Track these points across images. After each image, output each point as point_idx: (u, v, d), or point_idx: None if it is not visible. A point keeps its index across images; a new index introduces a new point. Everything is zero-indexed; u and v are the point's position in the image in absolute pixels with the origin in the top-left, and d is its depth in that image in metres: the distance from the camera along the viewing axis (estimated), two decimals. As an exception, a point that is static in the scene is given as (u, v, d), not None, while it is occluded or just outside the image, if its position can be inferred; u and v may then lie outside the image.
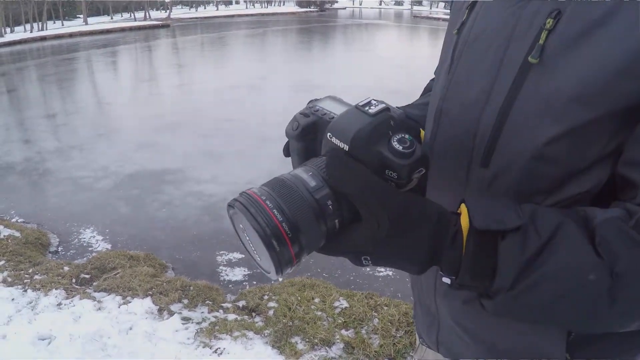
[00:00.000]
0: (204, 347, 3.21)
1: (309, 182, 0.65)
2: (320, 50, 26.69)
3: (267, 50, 26.77)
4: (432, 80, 1.18)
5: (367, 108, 0.67)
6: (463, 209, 0.70)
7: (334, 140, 0.68)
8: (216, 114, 11.55)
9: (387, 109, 0.68)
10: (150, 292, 3.95)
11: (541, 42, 0.73)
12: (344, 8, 65.89)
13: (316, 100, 0.81)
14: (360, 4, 72.17)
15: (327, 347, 3.12)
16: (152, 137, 9.98)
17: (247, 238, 0.67)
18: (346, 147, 0.66)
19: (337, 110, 0.76)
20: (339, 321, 3.40)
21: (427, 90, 1.18)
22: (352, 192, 0.63)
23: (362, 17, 54.38)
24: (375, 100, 0.69)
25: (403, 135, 0.66)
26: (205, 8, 62.67)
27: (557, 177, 0.76)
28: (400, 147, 0.64)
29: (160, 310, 3.68)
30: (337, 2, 66.48)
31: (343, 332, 3.29)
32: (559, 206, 0.76)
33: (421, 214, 0.66)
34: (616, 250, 0.63)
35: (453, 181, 0.88)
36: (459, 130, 0.85)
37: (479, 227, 0.66)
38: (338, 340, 3.19)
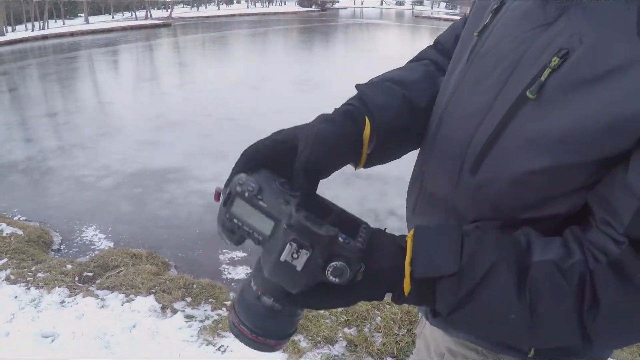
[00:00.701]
0: (207, 345, 3.21)
1: (266, 303, 0.76)
2: (322, 50, 26.72)
3: (268, 49, 26.82)
4: (428, 47, 1.19)
5: (292, 261, 0.69)
6: (408, 245, 0.76)
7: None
8: (218, 113, 11.55)
9: (311, 252, 0.68)
10: (153, 290, 3.95)
11: (542, 79, 0.74)
12: (345, 8, 65.96)
13: (228, 202, 0.74)
14: (362, 4, 72.26)
15: (330, 345, 3.13)
16: (154, 135, 9.99)
17: None
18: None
19: (257, 224, 0.72)
20: (342, 319, 3.40)
21: (417, 59, 1.15)
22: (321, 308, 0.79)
23: (364, 17, 54.42)
24: (299, 242, 0.68)
25: (336, 266, 0.69)
26: (206, 7, 62.84)
27: (533, 200, 0.80)
28: (337, 279, 0.70)
29: (163, 309, 3.68)
30: (338, 1, 66.55)
31: (346, 330, 3.29)
32: (534, 221, 0.81)
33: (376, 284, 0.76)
34: (542, 292, 0.71)
35: (446, 175, 0.92)
36: (458, 135, 0.89)
37: (418, 277, 0.74)
38: (341, 338, 3.19)
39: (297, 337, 3.20)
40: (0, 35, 31.84)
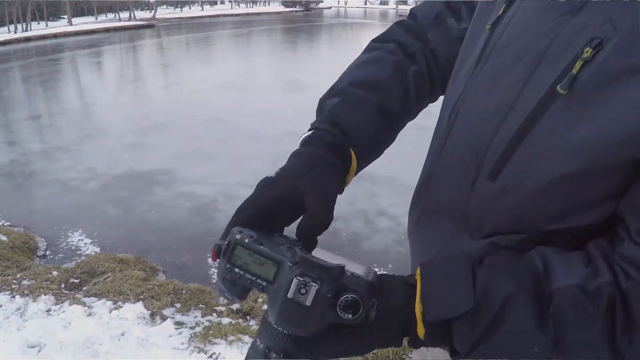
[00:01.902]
0: (198, 352, 3.14)
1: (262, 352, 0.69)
2: (307, 50, 26.71)
3: (253, 50, 26.75)
4: (395, 25, 1.09)
5: (300, 297, 0.64)
6: (418, 287, 0.71)
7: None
8: (205, 114, 11.45)
9: (319, 285, 0.64)
10: (142, 297, 3.87)
11: (574, 72, 0.66)
12: (329, 7, 66.01)
13: (228, 252, 0.70)
14: (346, 4, 72.34)
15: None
16: (140, 137, 9.89)
17: None
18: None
19: (259, 270, 0.69)
20: None
21: (382, 39, 1.06)
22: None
23: (348, 17, 54.50)
24: (306, 276, 0.64)
25: (347, 299, 0.65)
26: (190, 8, 62.61)
27: (559, 210, 0.73)
28: (350, 315, 0.65)
29: (152, 315, 3.61)
30: (322, 1, 66.65)
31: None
32: (558, 234, 0.74)
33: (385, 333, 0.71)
34: (567, 321, 0.65)
35: (458, 182, 0.84)
36: (472, 138, 0.81)
37: (432, 320, 0.68)
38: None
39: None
40: (-18, 38, 31.49)
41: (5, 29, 36.00)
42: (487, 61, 0.83)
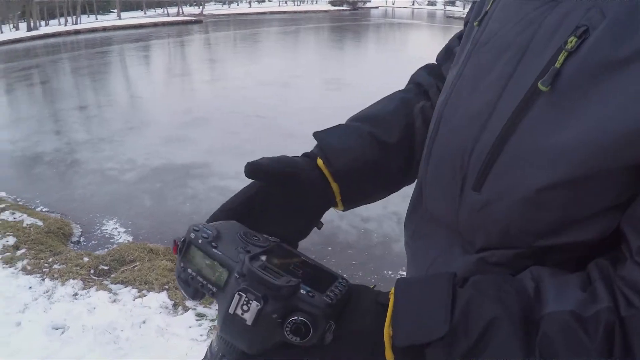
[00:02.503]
0: (215, 345, 3.17)
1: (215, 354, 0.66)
2: (353, 49, 26.63)
3: (299, 48, 26.82)
4: (420, 68, 1.09)
5: (242, 314, 0.60)
6: (390, 305, 0.65)
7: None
8: (245, 110, 11.54)
9: (262, 305, 0.60)
10: (167, 287, 3.94)
11: (557, 65, 0.59)
12: (377, 7, 65.56)
13: (182, 251, 0.68)
14: (393, 4, 71.77)
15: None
16: (180, 131, 10.01)
17: None
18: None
19: (211, 274, 0.66)
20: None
21: (408, 82, 1.08)
22: None
23: (395, 17, 54.10)
24: (249, 292, 0.60)
25: (295, 321, 0.60)
26: (238, 5, 63.15)
27: (550, 223, 0.64)
28: (298, 339, 0.60)
29: (175, 306, 3.67)
30: (369, 1, 66.26)
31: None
32: (553, 251, 0.66)
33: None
34: (556, 351, 0.56)
35: (446, 192, 0.77)
36: (455, 144, 0.74)
37: (401, 345, 0.62)
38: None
39: None
40: (34, 29, 32.46)
41: (55, 21, 37.05)
42: (470, 59, 0.77)
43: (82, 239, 5.62)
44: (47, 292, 3.94)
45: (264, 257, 0.66)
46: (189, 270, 0.67)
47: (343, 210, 0.93)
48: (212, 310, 3.61)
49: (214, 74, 17.70)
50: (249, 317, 0.59)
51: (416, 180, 0.94)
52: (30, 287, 4.02)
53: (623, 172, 0.57)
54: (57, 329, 3.44)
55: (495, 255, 0.71)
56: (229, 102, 12.64)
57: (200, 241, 0.66)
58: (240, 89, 14.24)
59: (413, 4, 74.73)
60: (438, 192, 0.81)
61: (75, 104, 12.83)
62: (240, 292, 0.59)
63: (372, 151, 0.90)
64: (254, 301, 0.59)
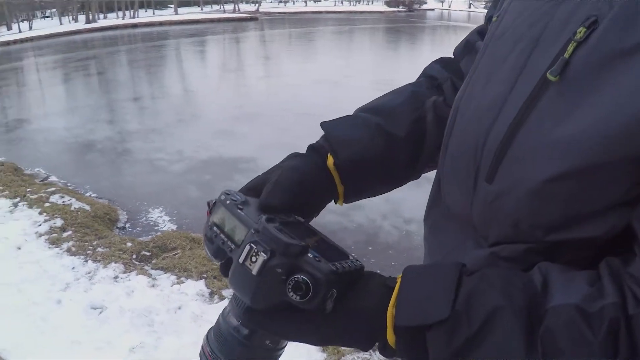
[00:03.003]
0: (248, 335, 3.20)
1: (232, 323, 0.69)
2: (407, 51, 26.46)
3: (353, 47, 26.81)
4: (433, 62, 1.07)
5: (250, 265, 0.62)
6: (394, 292, 0.64)
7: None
8: (296, 108, 11.60)
9: (268, 257, 0.62)
10: (205, 275, 3.99)
11: (566, 55, 0.59)
12: (433, 9, 64.92)
13: (212, 210, 0.74)
14: (449, 6, 70.91)
15: (371, 350, 3.05)
16: (230, 125, 10.13)
17: None
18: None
19: (233, 232, 0.69)
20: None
21: (421, 75, 1.06)
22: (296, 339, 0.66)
23: (451, 19, 53.50)
24: (259, 245, 0.63)
25: (297, 279, 0.61)
26: (294, 3, 63.52)
27: (559, 217, 0.63)
28: (298, 297, 0.61)
29: (211, 294, 3.71)
30: (425, 3, 65.69)
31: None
32: (564, 247, 0.65)
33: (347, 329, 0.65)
34: (560, 347, 0.54)
35: (462, 185, 0.77)
36: (470, 136, 0.75)
37: (399, 325, 0.61)
38: (384, 344, 3.11)
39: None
40: (92, 22, 33.44)
41: (113, 14, 38.12)
42: (485, 53, 0.78)
43: (127, 225, 5.74)
44: (89, 273, 4.05)
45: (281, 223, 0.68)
46: (214, 228, 0.70)
47: (347, 203, 0.93)
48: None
49: (267, 71, 17.87)
50: (255, 268, 0.61)
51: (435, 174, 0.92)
52: (73, 268, 4.14)
53: (630, 164, 0.56)
54: (95, 308, 3.53)
55: (506, 249, 0.70)
56: (280, 98, 12.73)
57: (228, 202, 0.71)
58: (292, 87, 14.33)
59: (469, 7, 73.74)
60: (454, 186, 0.81)
61: (129, 95, 13.16)
62: (252, 244, 0.62)
63: (379, 144, 0.89)
64: (262, 253, 0.61)
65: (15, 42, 30.78)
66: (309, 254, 0.63)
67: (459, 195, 0.79)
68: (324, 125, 0.91)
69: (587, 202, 0.60)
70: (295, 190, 0.82)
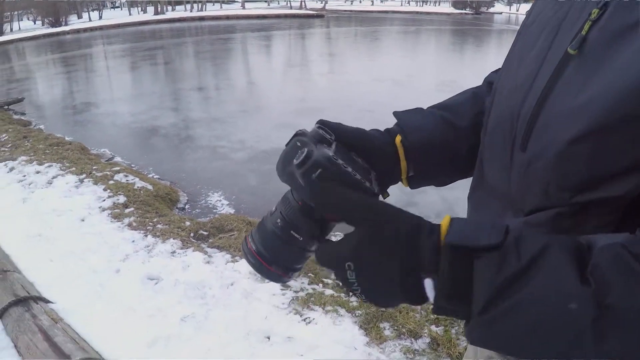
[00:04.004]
0: (295, 314, 3.25)
1: (275, 219, 0.78)
2: (471, 53, 26.03)
3: (417, 48, 26.59)
4: (492, 72, 1.13)
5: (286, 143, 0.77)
6: (444, 221, 0.65)
7: None
8: (358, 105, 11.60)
9: (297, 134, 0.77)
10: (259, 257, 4.07)
11: (583, 32, 0.69)
12: (500, 13, 63.50)
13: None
14: (517, 10, 69.33)
15: (412, 339, 3.05)
16: (292, 119, 10.21)
17: None
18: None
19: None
20: (432, 316, 3.30)
21: (484, 80, 1.12)
22: (337, 210, 0.69)
23: (518, 24, 52.22)
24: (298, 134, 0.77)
25: (302, 151, 0.72)
26: (360, 2, 63.49)
27: (584, 177, 0.68)
28: (297, 160, 0.71)
29: (263, 274, 3.78)
30: (493, 5, 64.41)
31: (433, 327, 3.18)
32: (589, 208, 0.69)
33: (397, 215, 0.67)
34: (609, 280, 0.54)
35: (500, 159, 0.85)
36: (506, 111, 0.83)
37: (449, 243, 0.61)
38: (425, 334, 3.09)
39: (382, 324, 3.16)
40: (161, 13, 34.34)
41: (182, 7, 39.00)
42: (518, 40, 0.89)
43: (187, 206, 5.91)
44: (148, 246, 4.20)
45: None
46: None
47: (412, 188, 1.01)
48: (297, 283, 3.69)
49: (331, 67, 17.94)
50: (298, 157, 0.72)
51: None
52: (133, 241, 4.29)
53: None
54: (151, 279, 3.66)
55: (538, 217, 0.75)
56: (342, 95, 12.77)
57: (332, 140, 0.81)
58: (354, 84, 14.35)
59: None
60: (494, 161, 0.88)
61: (194, 85, 13.48)
62: (298, 142, 0.75)
63: (443, 132, 0.97)
64: (305, 149, 0.72)
65: (85, 30, 32.03)
66: (325, 147, 0.74)
67: (498, 170, 0.86)
68: (396, 113, 1.00)
69: (609, 162, 0.65)
70: (360, 131, 0.92)
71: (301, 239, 0.76)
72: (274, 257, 0.77)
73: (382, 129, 0.98)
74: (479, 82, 1.11)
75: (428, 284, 0.63)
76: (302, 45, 25.23)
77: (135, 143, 8.69)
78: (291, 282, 3.69)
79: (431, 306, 0.65)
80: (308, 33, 29.67)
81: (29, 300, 3.24)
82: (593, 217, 0.69)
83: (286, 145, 0.77)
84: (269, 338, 3.04)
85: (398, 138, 0.95)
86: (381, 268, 0.65)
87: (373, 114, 10.80)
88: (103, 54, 22.13)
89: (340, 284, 0.69)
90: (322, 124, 0.84)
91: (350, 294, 0.70)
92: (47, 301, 3.33)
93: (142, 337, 3.03)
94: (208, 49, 20.63)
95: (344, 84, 14.35)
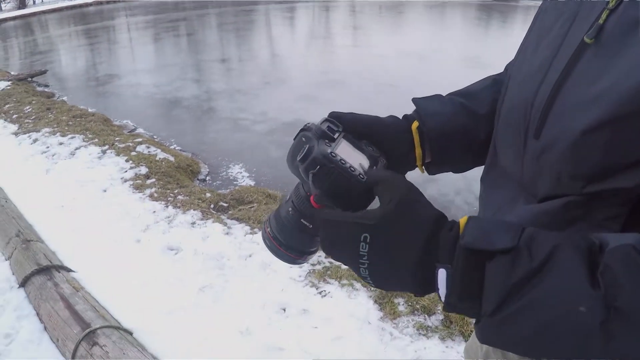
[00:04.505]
0: (311, 287, 3.28)
1: (287, 207, 0.84)
2: (498, 29, 25.61)
3: (444, 22, 26.21)
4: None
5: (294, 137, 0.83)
6: (462, 220, 0.66)
7: None
8: (380, 78, 11.50)
9: (302, 129, 0.82)
10: (277, 228, 4.11)
11: (601, 21, 0.69)
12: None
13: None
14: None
15: (426, 315, 3.06)
16: (314, 91, 10.18)
17: None
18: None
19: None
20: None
21: (505, 68, 1.12)
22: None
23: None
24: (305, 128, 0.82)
25: (304, 147, 0.77)
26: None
27: (597, 167, 0.68)
28: (299, 156, 0.77)
29: (281, 246, 3.82)
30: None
31: (447, 305, 3.21)
32: (601, 198, 0.69)
33: (424, 205, 0.68)
34: (619, 282, 0.54)
35: (514, 145, 0.85)
36: (520, 97, 0.83)
37: (464, 245, 0.62)
38: (439, 311, 3.11)
39: (397, 300, 3.18)
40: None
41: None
42: (534, 26, 0.90)
43: (207, 178, 5.95)
44: (168, 217, 4.26)
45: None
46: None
47: (430, 174, 1.04)
48: (314, 256, 3.72)
49: (355, 40, 17.76)
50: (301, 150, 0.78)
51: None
52: (154, 212, 4.36)
53: None
54: (171, 249, 3.73)
55: (549, 204, 0.76)
56: (365, 68, 12.64)
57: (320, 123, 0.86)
58: (378, 57, 14.20)
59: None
60: (507, 146, 0.88)
61: (217, 57, 13.49)
62: (303, 137, 0.80)
63: (462, 117, 0.99)
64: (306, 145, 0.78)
65: (108, 2, 32.07)
66: (327, 143, 0.78)
67: (511, 154, 0.86)
68: (415, 100, 1.00)
69: (622, 153, 0.65)
70: (373, 119, 0.94)
71: (311, 226, 0.82)
72: (288, 241, 0.84)
73: (403, 106, 0.99)
74: (503, 58, 1.11)
75: (441, 274, 0.64)
76: (327, 18, 25.01)
77: (157, 114, 8.75)
78: (309, 257, 3.73)
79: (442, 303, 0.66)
80: (333, 6, 29.36)
81: (51, 269, 3.33)
82: (603, 207, 0.70)
83: (294, 139, 0.82)
84: (284, 310, 3.08)
85: (415, 124, 0.96)
86: (399, 246, 0.65)
87: (395, 88, 10.72)
88: (126, 25, 22.20)
89: (346, 256, 0.70)
90: (332, 116, 0.88)
91: (351, 268, 0.71)
92: (68, 270, 3.41)
93: (161, 306, 3.10)
94: (231, 21, 20.58)
95: (367, 57, 14.22)
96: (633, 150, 0.64)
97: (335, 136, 0.81)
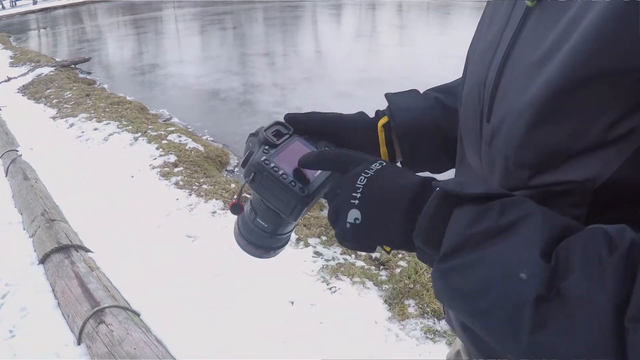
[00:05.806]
0: (322, 282, 3.30)
1: (248, 207, 0.88)
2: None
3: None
4: None
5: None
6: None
7: None
8: (418, 78, 11.38)
9: (250, 134, 0.86)
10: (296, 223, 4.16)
11: None
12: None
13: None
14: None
15: (435, 319, 3.05)
16: (351, 88, 10.15)
17: None
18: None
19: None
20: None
21: None
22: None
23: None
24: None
25: (245, 153, 0.82)
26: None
27: (542, 152, 0.60)
28: (240, 162, 0.81)
29: (298, 240, 3.85)
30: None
31: (457, 310, 3.20)
32: (551, 195, 0.62)
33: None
34: (572, 264, 0.48)
35: (472, 133, 0.77)
36: (474, 79, 0.75)
37: (442, 187, 0.60)
38: (449, 316, 3.11)
39: (408, 301, 3.18)
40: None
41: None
42: (488, 5, 0.82)
43: (235, 169, 6.00)
44: (190, 205, 4.34)
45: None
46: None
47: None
48: (330, 251, 3.74)
49: (398, 39, 17.64)
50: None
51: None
52: (177, 199, 4.45)
53: (604, 84, 0.53)
54: (190, 237, 3.80)
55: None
56: (404, 67, 12.55)
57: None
58: (419, 57, 14.08)
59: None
60: (467, 134, 0.80)
61: (259, 51, 13.60)
62: (250, 143, 0.85)
63: (434, 113, 0.93)
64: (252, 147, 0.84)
65: (157, -7, 32.52)
66: (268, 149, 0.80)
67: (470, 145, 0.79)
68: (387, 95, 0.96)
69: (567, 137, 0.58)
70: (334, 117, 0.92)
71: (266, 225, 0.85)
72: (251, 239, 0.88)
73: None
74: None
75: None
76: (372, 16, 24.91)
77: (194, 105, 8.89)
78: (323, 251, 3.76)
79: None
80: (379, 4, 29.19)
81: (70, 248, 3.43)
82: (556, 208, 0.59)
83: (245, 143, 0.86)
84: (292, 303, 3.12)
85: (382, 121, 0.92)
86: (393, 189, 0.64)
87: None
88: (173, 17, 22.58)
89: (339, 190, 0.68)
90: (286, 118, 0.88)
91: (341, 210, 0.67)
92: (86, 250, 3.52)
93: (172, 291, 3.16)
94: (277, 16, 20.70)
95: (408, 57, 14.10)
96: (581, 134, 0.57)
97: (280, 141, 0.82)
